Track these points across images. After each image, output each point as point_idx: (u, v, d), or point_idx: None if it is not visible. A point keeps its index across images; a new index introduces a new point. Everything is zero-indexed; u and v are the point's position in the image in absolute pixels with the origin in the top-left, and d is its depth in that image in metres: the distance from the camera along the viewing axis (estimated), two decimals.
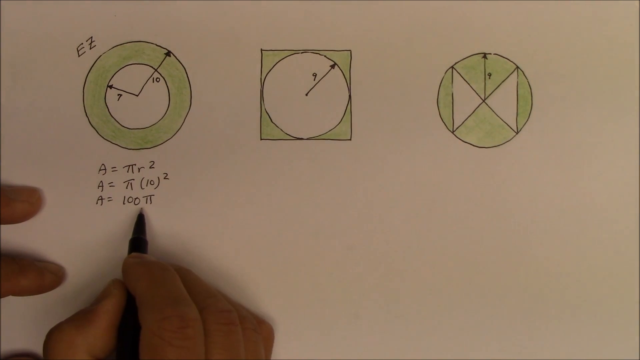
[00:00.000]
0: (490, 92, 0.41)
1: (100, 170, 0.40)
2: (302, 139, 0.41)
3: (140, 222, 0.40)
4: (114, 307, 0.36)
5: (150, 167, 0.41)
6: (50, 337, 0.35)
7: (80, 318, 0.35)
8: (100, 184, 0.40)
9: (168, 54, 0.41)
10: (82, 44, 0.41)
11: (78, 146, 0.40)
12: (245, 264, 0.40)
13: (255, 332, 0.36)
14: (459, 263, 0.41)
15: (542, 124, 0.41)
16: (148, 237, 0.40)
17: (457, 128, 0.41)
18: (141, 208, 0.40)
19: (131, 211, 0.40)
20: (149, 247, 0.39)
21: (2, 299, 0.39)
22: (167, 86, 0.41)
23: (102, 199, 0.40)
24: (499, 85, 0.41)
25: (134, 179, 0.41)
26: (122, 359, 0.35)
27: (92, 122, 0.41)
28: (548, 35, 0.41)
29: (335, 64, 0.41)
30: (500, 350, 0.41)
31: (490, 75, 0.41)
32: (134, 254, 0.38)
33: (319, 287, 0.41)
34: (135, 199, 0.40)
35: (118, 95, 0.41)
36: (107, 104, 0.41)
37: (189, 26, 0.41)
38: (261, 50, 0.41)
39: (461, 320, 0.41)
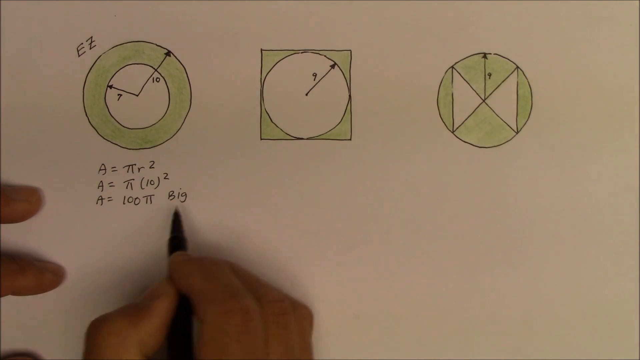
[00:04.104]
0: (490, 92, 0.41)
1: (100, 170, 0.40)
2: (302, 139, 0.41)
3: (177, 220, 0.39)
4: (169, 305, 0.34)
5: (150, 167, 0.41)
6: (100, 329, 0.33)
7: (133, 313, 0.34)
8: (100, 184, 0.40)
9: (168, 54, 0.41)
10: (82, 44, 0.41)
11: (78, 146, 0.40)
12: (245, 264, 0.40)
13: (304, 318, 0.36)
14: (459, 263, 0.41)
15: (542, 124, 0.41)
16: (147, 236, 0.40)
17: (457, 128, 0.41)
18: (176, 206, 0.40)
19: (131, 211, 0.40)
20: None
21: (1, 298, 0.39)
22: (167, 86, 0.41)
23: (102, 199, 0.40)
24: (499, 85, 0.41)
25: (134, 179, 0.41)
26: (176, 358, 0.34)
27: (92, 122, 0.41)
28: (548, 35, 0.41)
29: (335, 64, 0.41)
30: (500, 350, 0.41)
31: (490, 75, 0.41)
32: (178, 252, 0.37)
33: (319, 287, 0.41)
34: (135, 199, 0.40)
35: (118, 95, 0.41)
36: (107, 104, 0.41)
37: (189, 26, 0.41)
38: (261, 50, 0.41)
39: (461, 320, 0.41)
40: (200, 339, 0.32)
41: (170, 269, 0.36)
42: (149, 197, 0.40)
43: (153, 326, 0.33)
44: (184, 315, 0.34)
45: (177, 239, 0.38)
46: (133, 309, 0.34)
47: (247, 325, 0.32)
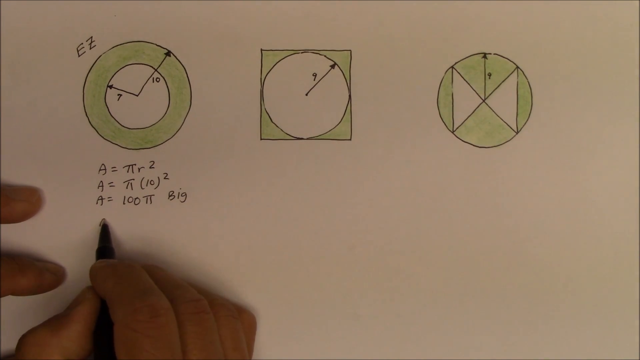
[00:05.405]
0: (490, 92, 0.41)
1: (100, 170, 0.40)
2: (302, 139, 0.41)
3: (104, 231, 0.40)
4: (88, 311, 0.36)
5: (150, 167, 0.41)
6: (24, 341, 0.35)
7: (54, 322, 0.35)
8: (100, 184, 0.40)
9: (168, 54, 0.41)
10: (82, 44, 0.41)
11: (78, 146, 0.40)
12: (245, 264, 0.40)
13: (233, 317, 0.37)
14: (459, 263, 0.41)
15: (542, 124, 0.41)
16: (146, 236, 0.40)
17: (457, 128, 0.41)
18: (103, 219, 0.40)
19: (131, 211, 0.40)
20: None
21: (2, 298, 0.39)
22: (167, 86, 0.41)
23: (102, 199, 0.40)
24: (499, 85, 0.41)
25: (134, 179, 0.41)
26: None
27: (92, 122, 0.41)
28: (548, 35, 0.41)
29: (335, 64, 0.41)
30: (500, 350, 0.41)
31: (490, 75, 0.41)
32: (99, 260, 0.38)
33: (319, 287, 0.41)
34: (135, 199, 0.40)
35: (118, 95, 0.41)
36: (107, 104, 0.41)
37: (189, 26, 0.41)
38: (261, 50, 0.41)
39: (461, 320, 0.41)
40: (115, 340, 0.33)
41: (90, 276, 0.37)
42: (149, 197, 0.40)
43: (74, 332, 0.35)
44: (106, 319, 0.35)
45: (104, 249, 0.39)
46: (54, 318, 0.36)
47: (155, 321, 0.33)
